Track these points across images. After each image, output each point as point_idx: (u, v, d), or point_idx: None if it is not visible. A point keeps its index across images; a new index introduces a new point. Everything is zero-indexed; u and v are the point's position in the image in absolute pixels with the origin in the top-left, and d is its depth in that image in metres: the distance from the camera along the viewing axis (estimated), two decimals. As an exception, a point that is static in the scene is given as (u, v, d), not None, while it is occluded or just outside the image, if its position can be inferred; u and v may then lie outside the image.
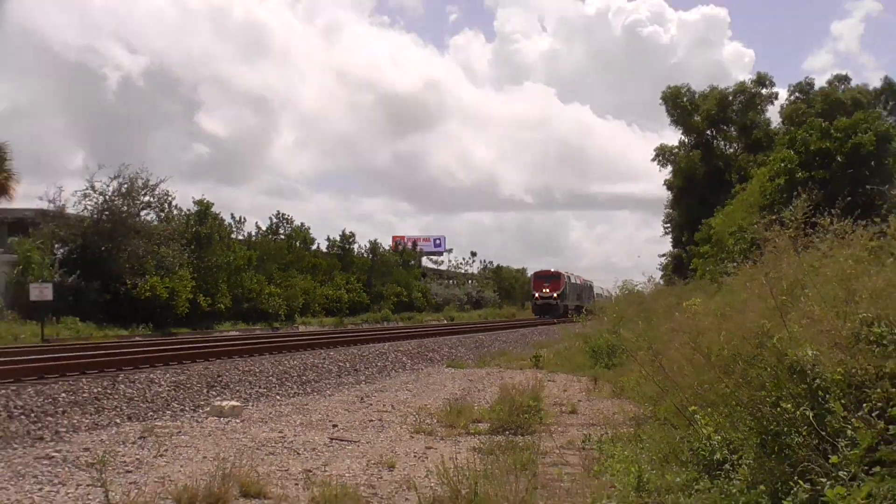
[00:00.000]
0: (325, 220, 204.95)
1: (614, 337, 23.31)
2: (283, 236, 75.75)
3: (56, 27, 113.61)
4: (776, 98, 75.47)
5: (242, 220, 69.06)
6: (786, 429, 7.03)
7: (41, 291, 36.65)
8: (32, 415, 13.89)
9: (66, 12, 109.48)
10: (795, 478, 6.67)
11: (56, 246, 46.46)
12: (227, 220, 63.76)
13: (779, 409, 7.10)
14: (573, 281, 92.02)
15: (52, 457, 11.43)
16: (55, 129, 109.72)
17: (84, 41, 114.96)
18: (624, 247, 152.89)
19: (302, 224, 78.35)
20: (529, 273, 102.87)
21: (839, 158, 32.85)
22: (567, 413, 16.44)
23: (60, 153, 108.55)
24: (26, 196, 52.40)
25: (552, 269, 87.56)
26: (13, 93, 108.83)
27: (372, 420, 15.70)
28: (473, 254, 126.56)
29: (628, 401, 16.21)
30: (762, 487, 7.22)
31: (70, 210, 48.02)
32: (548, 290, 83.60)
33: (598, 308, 36.41)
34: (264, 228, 74.87)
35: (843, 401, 6.75)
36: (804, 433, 6.85)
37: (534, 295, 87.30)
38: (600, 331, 26.90)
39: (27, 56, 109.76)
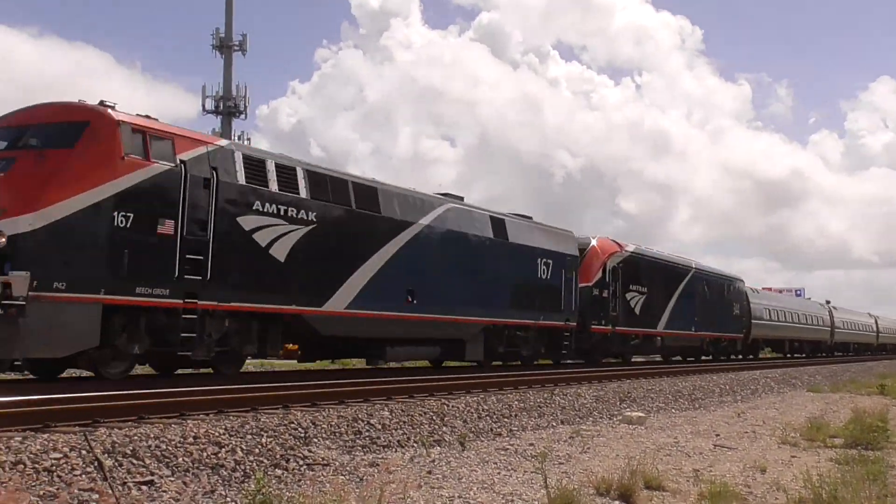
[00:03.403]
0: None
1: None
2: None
3: (523, 141, 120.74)
4: None
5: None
6: None
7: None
8: (494, 416, 13.72)
9: (531, 132, 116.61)
10: None
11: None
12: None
13: None
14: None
15: (507, 449, 11.12)
16: (518, 210, 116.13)
17: (542, 150, 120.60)
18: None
19: (694, 277, 75.88)
20: None
21: None
22: (911, 433, 14.11)
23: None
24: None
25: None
26: (495, 185, 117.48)
27: (747, 432, 14.22)
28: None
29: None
30: None
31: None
32: None
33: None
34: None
35: None
36: None
37: None
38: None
39: (504, 161, 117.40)
